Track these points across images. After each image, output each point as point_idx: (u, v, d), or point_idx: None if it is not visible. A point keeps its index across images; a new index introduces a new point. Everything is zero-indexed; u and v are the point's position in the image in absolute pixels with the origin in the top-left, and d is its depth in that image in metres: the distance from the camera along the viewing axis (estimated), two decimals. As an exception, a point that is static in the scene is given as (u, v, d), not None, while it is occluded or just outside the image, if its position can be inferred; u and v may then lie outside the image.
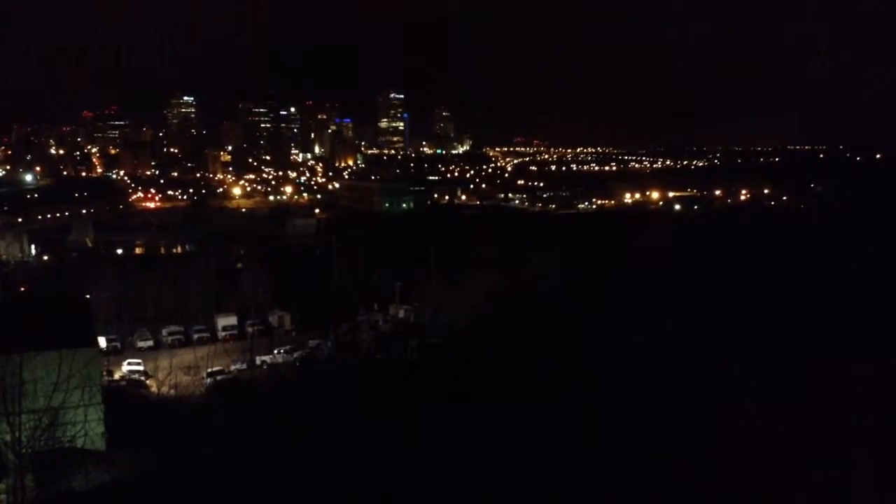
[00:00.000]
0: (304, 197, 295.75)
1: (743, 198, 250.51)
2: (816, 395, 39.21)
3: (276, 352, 75.16)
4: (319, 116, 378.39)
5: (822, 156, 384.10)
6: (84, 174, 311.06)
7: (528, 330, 62.82)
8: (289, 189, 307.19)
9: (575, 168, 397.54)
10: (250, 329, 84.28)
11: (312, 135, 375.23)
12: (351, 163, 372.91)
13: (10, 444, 33.60)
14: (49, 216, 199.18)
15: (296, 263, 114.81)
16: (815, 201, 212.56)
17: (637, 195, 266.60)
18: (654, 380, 45.02)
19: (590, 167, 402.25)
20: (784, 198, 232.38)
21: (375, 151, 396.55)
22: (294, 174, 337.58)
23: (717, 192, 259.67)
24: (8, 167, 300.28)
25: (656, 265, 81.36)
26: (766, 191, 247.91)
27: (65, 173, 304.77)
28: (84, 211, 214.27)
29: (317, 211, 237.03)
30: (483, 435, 38.85)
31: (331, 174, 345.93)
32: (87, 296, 68.47)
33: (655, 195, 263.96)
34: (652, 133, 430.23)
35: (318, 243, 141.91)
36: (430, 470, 35.31)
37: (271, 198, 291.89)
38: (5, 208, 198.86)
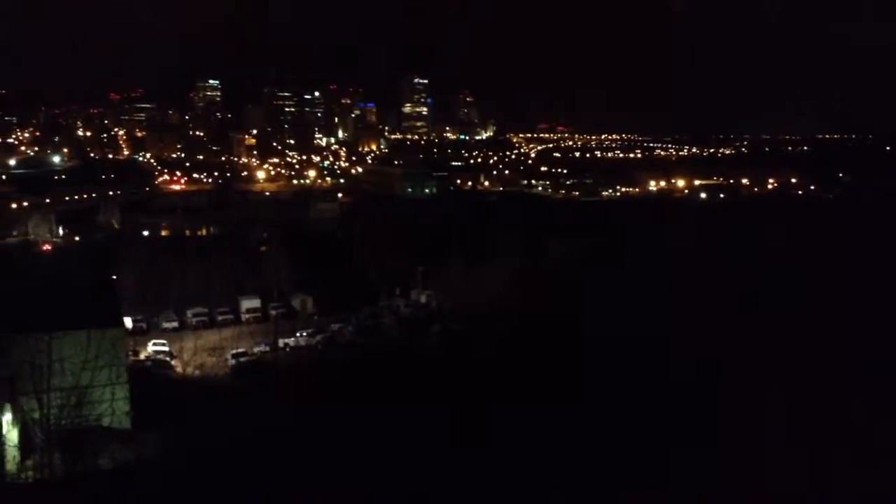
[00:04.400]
0: (327, 181, 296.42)
1: (770, 187, 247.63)
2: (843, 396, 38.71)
3: (298, 335, 75.71)
4: (343, 101, 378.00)
5: (851, 145, 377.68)
6: (111, 156, 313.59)
7: (549, 318, 62.76)
8: (312, 173, 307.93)
9: (599, 155, 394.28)
10: (273, 312, 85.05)
11: (336, 119, 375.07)
12: (374, 148, 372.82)
13: (38, 422, 34.22)
14: (76, 197, 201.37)
15: (318, 247, 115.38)
16: (842, 191, 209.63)
17: (662, 183, 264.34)
18: (679, 377, 44.64)
19: (614, 154, 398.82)
20: (812, 187, 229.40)
21: (399, 136, 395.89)
22: (318, 158, 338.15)
23: (744, 181, 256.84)
24: (36, 148, 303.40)
25: (681, 255, 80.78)
26: (793, 180, 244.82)
27: (92, 155, 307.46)
28: (111, 193, 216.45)
29: (340, 195, 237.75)
30: (498, 428, 38.90)
31: (354, 159, 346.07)
32: (114, 277, 69.44)
33: (681, 183, 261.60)
34: (678, 120, 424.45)
35: (341, 228, 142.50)
36: (444, 459, 35.46)
37: (295, 182, 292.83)
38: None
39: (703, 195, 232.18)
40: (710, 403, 39.60)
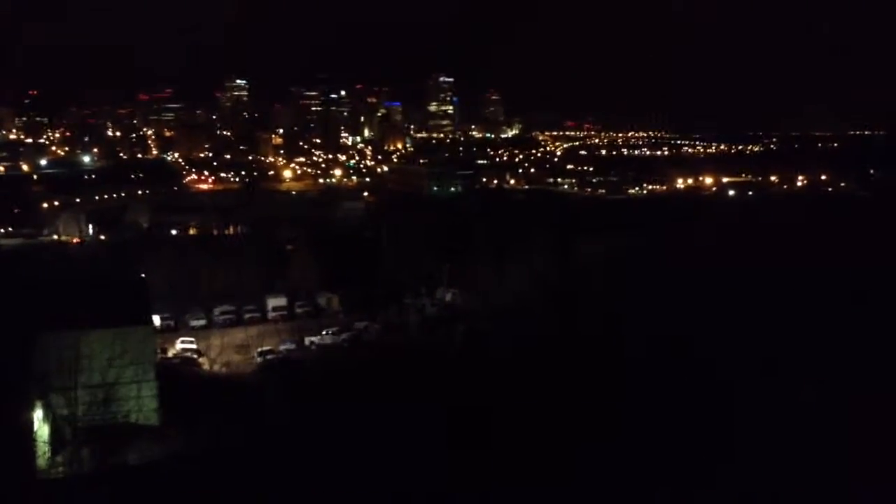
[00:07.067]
0: (353, 180, 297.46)
1: (800, 184, 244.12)
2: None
3: (324, 333, 76.05)
4: (369, 100, 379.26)
5: (882, 142, 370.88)
6: (140, 156, 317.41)
7: (575, 316, 62.35)
8: (338, 172, 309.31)
9: (626, 153, 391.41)
10: (299, 310, 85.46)
11: (362, 118, 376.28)
12: (400, 146, 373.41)
13: (67, 418, 34.66)
14: (106, 197, 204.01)
15: (344, 246, 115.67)
16: (873, 187, 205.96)
17: (690, 180, 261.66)
18: (707, 378, 44.00)
19: (641, 152, 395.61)
20: (843, 184, 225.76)
21: (424, 135, 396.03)
22: (344, 157, 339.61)
23: (773, 178, 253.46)
24: (66, 149, 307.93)
25: (709, 253, 79.76)
26: (823, 177, 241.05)
27: (121, 155, 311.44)
28: (140, 192, 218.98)
29: (365, 194, 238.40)
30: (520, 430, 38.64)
31: (380, 158, 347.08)
32: (143, 275, 70.18)
33: (709, 181, 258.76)
34: (706, 117, 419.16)
35: (367, 226, 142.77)
36: (464, 460, 35.34)
37: (321, 181, 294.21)
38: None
39: (731, 192, 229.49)
40: (753, 406, 39.08)
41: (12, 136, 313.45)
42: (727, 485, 32.01)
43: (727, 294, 61.54)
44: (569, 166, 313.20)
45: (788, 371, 43.54)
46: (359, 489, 33.42)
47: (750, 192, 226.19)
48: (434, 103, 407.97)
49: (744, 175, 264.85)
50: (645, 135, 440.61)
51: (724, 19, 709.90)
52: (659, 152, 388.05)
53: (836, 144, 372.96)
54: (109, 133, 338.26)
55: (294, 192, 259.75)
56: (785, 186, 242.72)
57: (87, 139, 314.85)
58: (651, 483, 32.76)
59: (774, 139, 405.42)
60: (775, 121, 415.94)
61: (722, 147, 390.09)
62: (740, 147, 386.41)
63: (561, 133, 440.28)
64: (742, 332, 51.21)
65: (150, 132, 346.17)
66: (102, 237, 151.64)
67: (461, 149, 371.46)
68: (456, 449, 36.36)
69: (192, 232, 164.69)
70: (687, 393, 41.53)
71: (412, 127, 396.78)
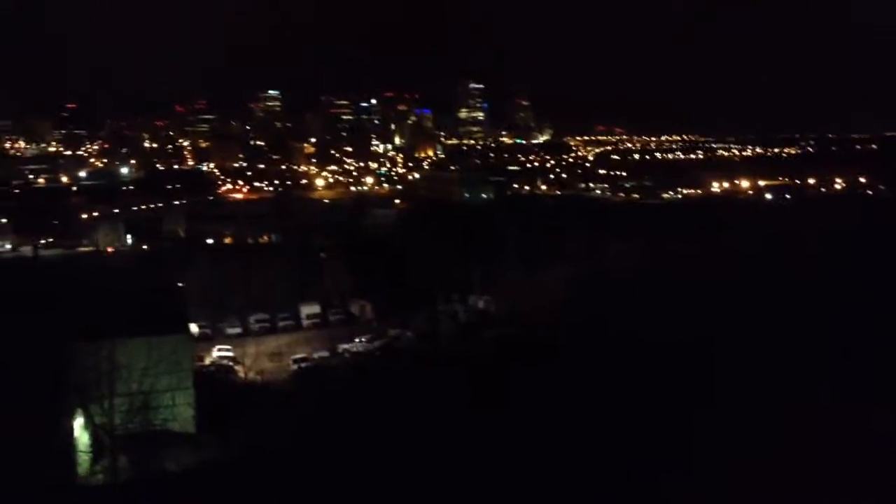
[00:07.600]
0: (384, 188, 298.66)
1: (837, 187, 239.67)
2: None
3: (357, 340, 76.31)
4: (399, 108, 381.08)
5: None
6: (176, 166, 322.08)
7: (608, 324, 61.83)
8: (370, 180, 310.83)
9: (659, 157, 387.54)
10: (333, 318, 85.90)
11: (393, 126, 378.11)
12: (431, 153, 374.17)
13: (105, 426, 35.11)
14: (143, 207, 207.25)
15: (377, 253, 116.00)
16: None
17: (725, 184, 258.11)
18: (746, 385, 43.26)
19: (675, 156, 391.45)
20: (881, 187, 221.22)
21: (455, 142, 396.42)
22: (375, 165, 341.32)
23: (811, 181, 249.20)
24: (105, 160, 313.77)
25: (747, 259, 78.60)
26: (861, 179, 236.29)
27: (158, 166, 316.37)
28: (176, 202, 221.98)
29: (397, 201, 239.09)
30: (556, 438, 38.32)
31: (411, 165, 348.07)
32: (180, 284, 71.09)
33: (745, 184, 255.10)
34: (741, 120, 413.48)
35: (399, 233, 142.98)
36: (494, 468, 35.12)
37: (353, 189, 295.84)
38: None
39: (768, 196, 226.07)
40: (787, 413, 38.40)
41: (52, 149, 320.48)
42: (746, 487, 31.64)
43: (766, 301, 60.54)
44: (601, 171, 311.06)
45: (818, 375, 42.84)
46: (391, 497, 33.39)
47: (787, 196, 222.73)
48: (464, 110, 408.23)
49: (780, 178, 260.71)
50: (678, 138, 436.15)
51: (760, 21, 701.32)
52: (693, 156, 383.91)
53: (874, 146, 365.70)
54: (146, 145, 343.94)
55: (326, 200, 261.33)
56: (823, 190, 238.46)
57: (124, 151, 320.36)
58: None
59: (812, 141, 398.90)
60: (812, 122, 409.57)
61: (758, 150, 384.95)
62: (776, 150, 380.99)
63: (592, 138, 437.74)
64: (780, 340, 50.34)
65: (185, 143, 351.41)
66: (140, 246, 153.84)
67: (492, 155, 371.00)
68: (488, 456, 36.17)
69: (227, 240, 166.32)
70: (719, 401, 40.90)
71: (443, 134, 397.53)
